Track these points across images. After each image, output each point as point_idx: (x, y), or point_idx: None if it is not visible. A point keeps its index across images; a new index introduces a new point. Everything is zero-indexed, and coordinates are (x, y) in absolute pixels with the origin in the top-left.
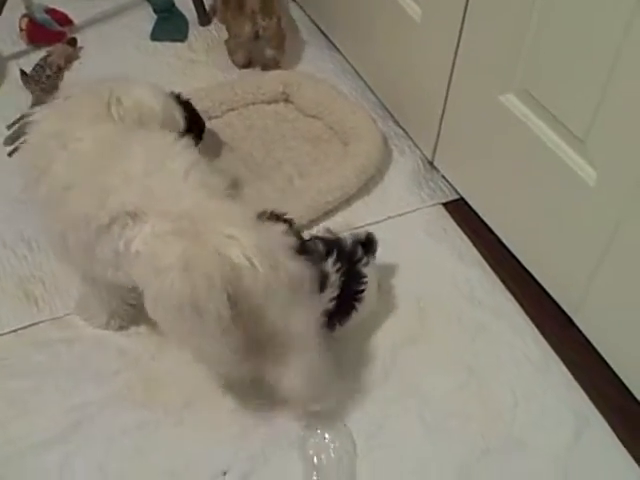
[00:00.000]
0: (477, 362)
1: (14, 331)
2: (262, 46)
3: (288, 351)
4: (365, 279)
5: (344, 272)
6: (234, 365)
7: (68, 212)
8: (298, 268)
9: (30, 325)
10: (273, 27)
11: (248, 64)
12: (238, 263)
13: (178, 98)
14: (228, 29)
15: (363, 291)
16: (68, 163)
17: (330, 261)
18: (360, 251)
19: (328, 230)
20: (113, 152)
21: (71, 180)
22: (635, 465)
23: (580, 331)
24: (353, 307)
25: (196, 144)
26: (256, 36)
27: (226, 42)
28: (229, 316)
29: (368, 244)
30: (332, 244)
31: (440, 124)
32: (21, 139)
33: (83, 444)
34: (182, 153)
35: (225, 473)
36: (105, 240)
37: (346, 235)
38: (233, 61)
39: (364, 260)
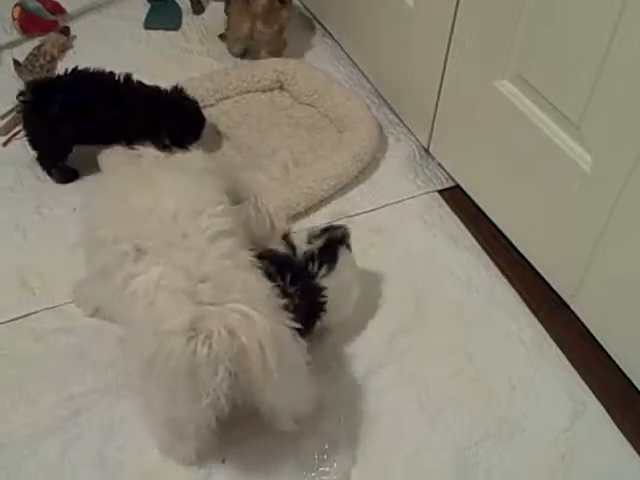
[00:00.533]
0: (474, 348)
1: (11, 321)
2: (258, 47)
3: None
4: (323, 292)
5: (300, 290)
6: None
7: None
8: (300, 352)
9: (27, 315)
10: (270, 35)
11: (244, 55)
12: (248, 347)
13: (182, 92)
14: (229, 21)
15: (324, 303)
16: None
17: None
18: (313, 265)
19: (286, 237)
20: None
21: None
22: (631, 449)
23: (576, 316)
24: (315, 319)
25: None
26: (252, 37)
27: (225, 31)
28: (224, 393)
29: (341, 239)
30: (282, 264)
31: (435, 111)
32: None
33: (82, 433)
34: (220, 216)
35: (224, 460)
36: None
37: (301, 244)
38: (229, 50)
39: (321, 273)
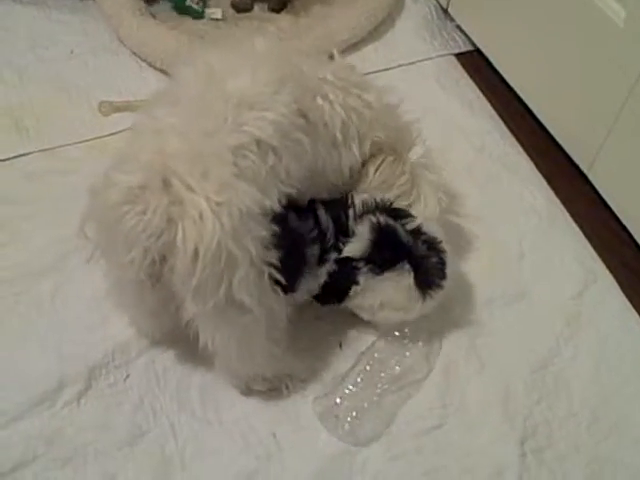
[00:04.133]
0: (485, 212)
1: (4, 160)
2: None
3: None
4: (356, 281)
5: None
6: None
7: None
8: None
9: (21, 155)
10: None
11: None
12: (179, 245)
13: None
14: None
15: (348, 289)
16: None
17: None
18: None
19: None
20: None
21: None
22: (639, 319)
23: (591, 187)
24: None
25: None
26: None
27: None
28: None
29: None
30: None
31: None
32: None
33: (74, 275)
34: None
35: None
36: None
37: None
38: None
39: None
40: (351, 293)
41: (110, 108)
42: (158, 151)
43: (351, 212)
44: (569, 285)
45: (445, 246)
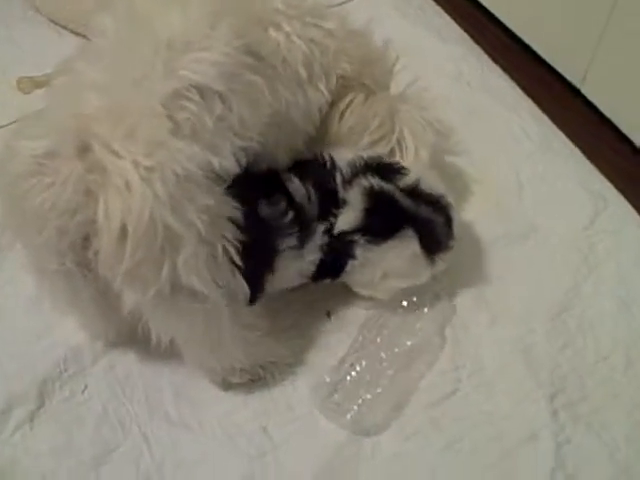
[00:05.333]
0: (472, 145)
1: None
2: None
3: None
4: (353, 255)
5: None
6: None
7: None
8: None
9: None
10: None
11: None
12: (101, 222)
13: None
14: None
15: (344, 265)
16: None
17: None
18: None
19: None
20: None
21: None
22: None
23: (583, 102)
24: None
25: None
26: None
27: None
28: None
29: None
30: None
31: None
32: None
33: (5, 276)
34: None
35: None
36: None
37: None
38: None
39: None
40: (348, 268)
41: (30, 84)
42: (73, 110)
43: (339, 177)
44: (578, 214)
45: (448, 199)
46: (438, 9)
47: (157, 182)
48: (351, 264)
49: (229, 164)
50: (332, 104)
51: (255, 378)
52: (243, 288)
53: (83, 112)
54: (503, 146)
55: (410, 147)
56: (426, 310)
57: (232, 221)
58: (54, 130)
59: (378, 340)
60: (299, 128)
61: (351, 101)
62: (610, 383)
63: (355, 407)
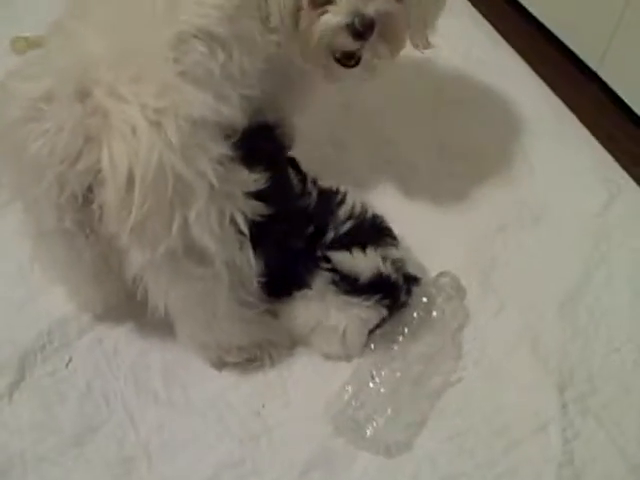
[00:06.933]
0: (482, 128)
1: None
2: None
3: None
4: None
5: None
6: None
7: None
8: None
9: None
10: None
11: None
12: (106, 172)
13: None
14: None
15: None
16: None
17: None
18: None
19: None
20: None
21: None
22: None
23: (599, 86)
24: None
25: None
26: None
27: None
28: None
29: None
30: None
31: None
32: None
33: None
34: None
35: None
36: None
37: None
38: None
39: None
40: (300, 294)
41: (25, 44)
42: (74, 53)
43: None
44: (591, 200)
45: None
46: None
47: (168, 126)
48: (303, 294)
49: (237, 114)
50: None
51: (252, 358)
52: (250, 262)
53: (84, 55)
54: (513, 128)
55: None
56: (436, 314)
57: (246, 185)
58: (53, 72)
59: (395, 348)
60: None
61: None
62: (621, 376)
63: (375, 424)
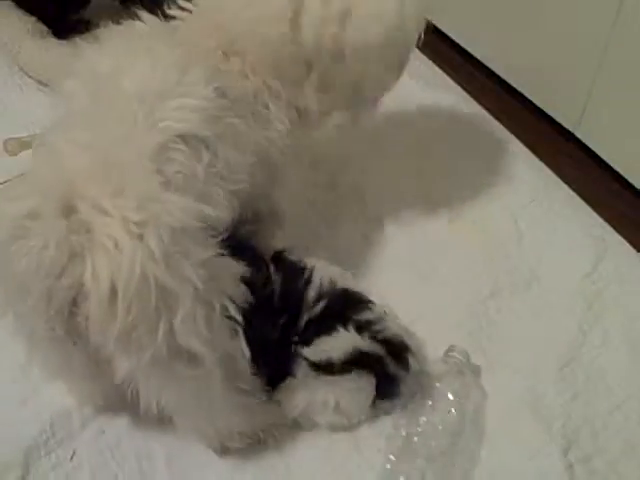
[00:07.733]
0: (466, 194)
1: None
2: None
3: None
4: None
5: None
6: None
7: None
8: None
9: None
10: None
11: None
12: (89, 285)
13: None
14: None
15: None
16: None
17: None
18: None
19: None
20: None
21: None
22: None
23: (577, 145)
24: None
25: None
26: None
27: None
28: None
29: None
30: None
31: None
32: None
33: None
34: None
35: None
36: None
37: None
38: None
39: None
40: (285, 384)
41: (17, 145)
42: (57, 170)
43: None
44: (580, 260)
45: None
46: (428, 62)
47: (149, 237)
48: (289, 382)
49: (223, 212)
50: None
51: (255, 442)
52: (243, 350)
53: (67, 172)
54: (498, 193)
55: None
56: (452, 397)
57: (234, 277)
58: (37, 190)
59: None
60: (279, 162)
61: None
62: (625, 433)
63: None
